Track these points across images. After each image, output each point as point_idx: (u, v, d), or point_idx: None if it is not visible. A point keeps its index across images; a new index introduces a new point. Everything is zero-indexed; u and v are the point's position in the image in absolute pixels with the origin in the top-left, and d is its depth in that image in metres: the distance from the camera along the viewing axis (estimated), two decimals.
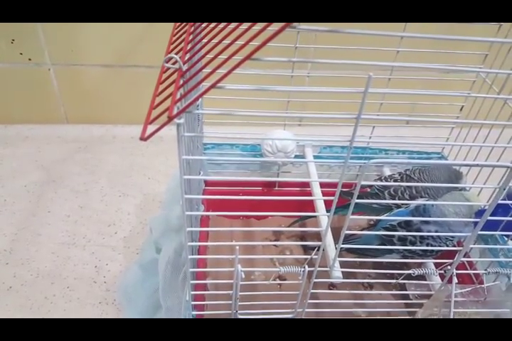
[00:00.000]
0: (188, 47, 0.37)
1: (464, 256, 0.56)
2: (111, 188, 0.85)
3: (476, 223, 0.46)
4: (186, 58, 0.36)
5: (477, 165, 0.33)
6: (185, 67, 0.35)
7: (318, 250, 0.42)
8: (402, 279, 0.45)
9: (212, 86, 0.31)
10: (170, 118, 0.31)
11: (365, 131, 0.71)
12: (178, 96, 0.32)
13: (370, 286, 0.63)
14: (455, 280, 0.43)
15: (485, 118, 0.52)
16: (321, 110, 0.40)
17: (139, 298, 0.59)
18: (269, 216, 0.78)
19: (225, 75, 0.30)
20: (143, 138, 0.32)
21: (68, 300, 0.63)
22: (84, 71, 0.97)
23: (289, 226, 0.71)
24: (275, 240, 0.73)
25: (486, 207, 0.38)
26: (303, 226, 0.73)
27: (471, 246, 0.40)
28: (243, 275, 0.43)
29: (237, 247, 0.41)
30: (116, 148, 0.96)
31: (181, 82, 0.34)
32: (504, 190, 0.35)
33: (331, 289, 0.62)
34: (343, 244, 0.42)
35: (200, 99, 0.52)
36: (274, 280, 0.62)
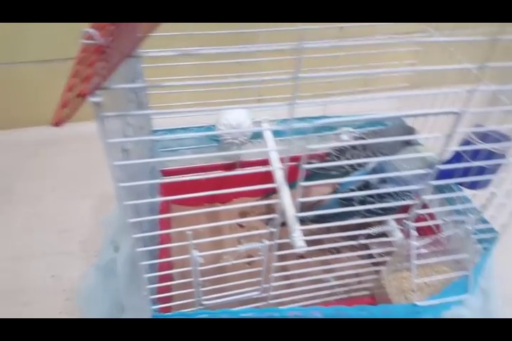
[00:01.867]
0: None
1: (425, 209, 0.56)
2: (66, 192, 0.80)
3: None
4: (106, 33, 0.33)
5: (424, 115, 0.32)
6: (105, 42, 0.31)
7: (283, 225, 0.40)
8: (363, 239, 0.44)
9: (127, 55, 0.28)
10: (81, 96, 0.28)
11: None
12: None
13: (337, 251, 0.62)
14: (414, 233, 0.42)
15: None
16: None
17: (101, 302, 0.56)
18: (232, 198, 0.76)
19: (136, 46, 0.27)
20: (54, 124, 0.28)
21: (26, 316, 0.59)
22: (22, 69, 0.89)
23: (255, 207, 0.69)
24: (242, 222, 0.71)
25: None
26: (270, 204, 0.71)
27: (424, 197, 0.39)
28: (201, 261, 0.41)
29: (190, 232, 0.38)
30: (68, 149, 0.91)
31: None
32: (451, 137, 0.33)
33: (299, 259, 0.61)
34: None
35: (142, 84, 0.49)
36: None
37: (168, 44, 0.41)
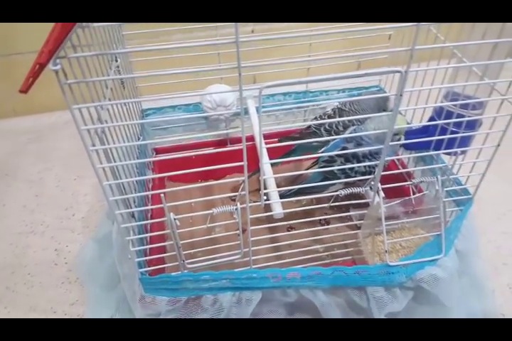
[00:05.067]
0: None
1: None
2: (65, 173, 0.84)
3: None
4: None
5: (365, 75, 0.33)
6: None
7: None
8: (333, 201, 0.46)
9: (70, 26, 0.30)
10: (40, 65, 0.30)
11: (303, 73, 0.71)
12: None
13: (327, 222, 0.63)
14: (381, 194, 0.43)
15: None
16: None
17: (99, 272, 0.59)
18: (225, 175, 0.78)
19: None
20: (21, 91, 0.31)
21: (30, 286, 0.63)
22: (21, 60, 0.93)
23: (243, 182, 0.71)
24: (234, 196, 0.73)
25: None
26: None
27: (387, 158, 0.40)
28: (178, 223, 0.43)
29: (162, 195, 0.40)
30: (68, 133, 0.94)
31: None
32: (401, 95, 0.35)
33: (289, 231, 0.63)
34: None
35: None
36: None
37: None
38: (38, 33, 0.88)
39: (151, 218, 0.60)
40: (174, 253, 0.46)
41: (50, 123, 0.98)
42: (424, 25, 0.30)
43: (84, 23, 0.30)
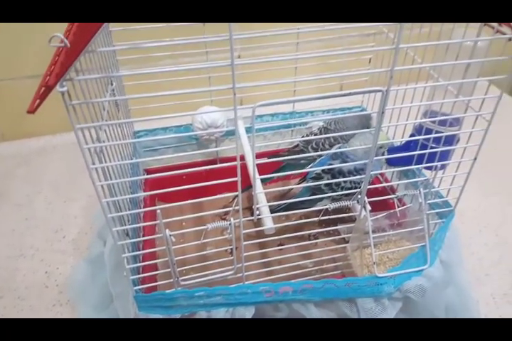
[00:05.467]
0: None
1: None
2: (55, 196, 0.84)
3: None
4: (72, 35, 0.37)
5: (349, 94, 0.35)
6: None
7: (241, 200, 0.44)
8: (322, 215, 0.47)
9: (81, 50, 0.32)
10: (47, 87, 0.31)
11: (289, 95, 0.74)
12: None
13: (316, 238, 0.65)
14: (368, 207, 0.46)
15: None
16: None
17: (91, 292, 0.60)
18: (216, 194, 0.80)
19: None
20: (28, 112, 0.32)
21: (20, 310, 0.62)
22: (9, 85, 0.95)
23: (233, 200, 0.73)
24: (225, 214, 0.74)
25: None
26: (250, 196, 0.74)
27: (372, 172, 0.43)
28: (173, 239, 0.44)
29: (159, 211, 0.42)
30: (57, 157, 0.95)
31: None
32: (382, 113, 0.37)
33: (279, 246, 0.64)
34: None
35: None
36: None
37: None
38: (28, 59, 0.92)
39: (143, 237, 0.60)
40: (168, 270, 0.47)
41: (39, 147, 0.99)
42: (403, 48, 0.33)
43: (90, 48, 0.32)
